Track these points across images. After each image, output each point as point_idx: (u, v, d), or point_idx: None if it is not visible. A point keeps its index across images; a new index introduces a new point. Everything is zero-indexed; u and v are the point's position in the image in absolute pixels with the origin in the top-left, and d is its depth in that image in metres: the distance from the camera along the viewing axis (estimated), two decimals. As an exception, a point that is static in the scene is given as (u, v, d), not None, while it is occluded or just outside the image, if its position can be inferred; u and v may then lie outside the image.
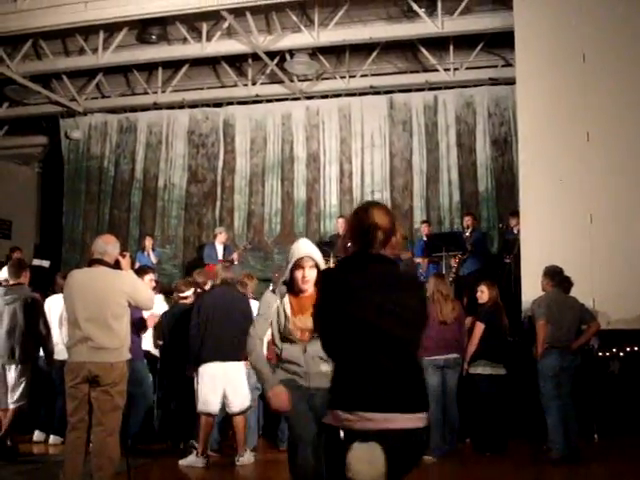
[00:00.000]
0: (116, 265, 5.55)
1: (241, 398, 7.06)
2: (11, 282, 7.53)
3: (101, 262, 5.50)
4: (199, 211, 15.23)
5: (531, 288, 8.52)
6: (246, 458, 7.06)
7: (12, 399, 7.30)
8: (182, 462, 7.10)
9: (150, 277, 7.71)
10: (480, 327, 7.80)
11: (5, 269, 7.94)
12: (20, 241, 15.09)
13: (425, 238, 12.14)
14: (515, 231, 11.26)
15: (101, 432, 5.30)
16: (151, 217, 15.36)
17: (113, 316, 5.38)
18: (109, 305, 5.38)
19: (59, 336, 7.80)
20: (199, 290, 8.05)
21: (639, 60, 9.12)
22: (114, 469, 5.38)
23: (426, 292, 7.49)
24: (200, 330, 7.13)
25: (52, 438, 7.99)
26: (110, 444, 5.33)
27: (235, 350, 6.83)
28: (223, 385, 7.04)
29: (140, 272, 7.55)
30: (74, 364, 5.35)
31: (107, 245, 5.59)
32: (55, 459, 6.60)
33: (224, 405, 7.10)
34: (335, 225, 13.19)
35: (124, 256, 5.69)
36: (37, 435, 8.31)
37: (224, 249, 12.72)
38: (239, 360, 6.96)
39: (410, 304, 3.08)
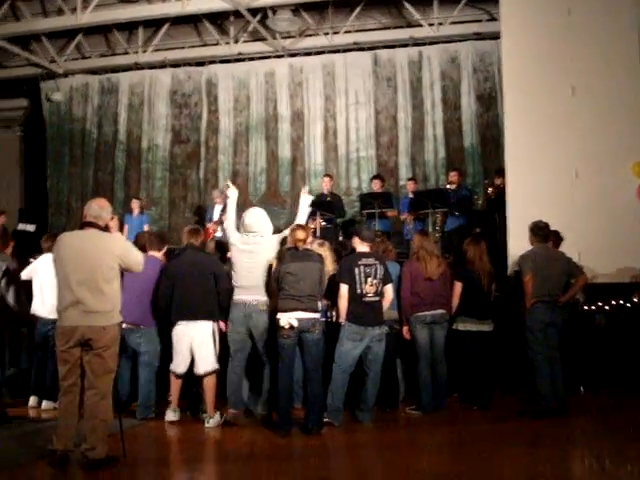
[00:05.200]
0: (105, 228, 5.55)
1: (206, 360, 7.08)
2: None
3: (93, 225, 5.50)
4: (183, 172, 15.17)
5: (517, 243, 8.56)
6: (215, 420, 7.04)
7: None
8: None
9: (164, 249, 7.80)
10: (458, 285, 7.86)
11: None
12: (4, 206, 14.94)
13: (411, 195, 12.14)
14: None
15: (94, 395, 5.33)
16: (136, 179, 15.31)
17: (104, 279, 5.37)
18: (101, 268, 5.37)
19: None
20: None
21: (624, 14, 9.08)
22: (107, 431, 5.43)
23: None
24: (167, 293, 7.22)
25: (44, 403, 7.99)
26: (103, 407, 5.37)
27: (203, 310, 7.06)
28: (190, 346, 7.11)
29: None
30: (66, 328, 5.35)
31: (102, 210, 5.58)
32: (49, 423, 6.63)
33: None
34: (321, 184, 13.15)
35: (112, 218, 5.69)
36: (32, 400, 8.32)
37: (222, 210, 12.61)
38: (207, 319, 7.10)
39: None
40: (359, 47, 14.33)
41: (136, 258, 5.65)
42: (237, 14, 13.69)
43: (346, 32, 14.26)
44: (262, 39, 14.43)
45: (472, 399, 7.78)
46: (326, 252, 7.49)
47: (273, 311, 6.86)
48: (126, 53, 15.34)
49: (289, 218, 13.92)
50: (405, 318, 7.68)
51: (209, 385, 7.08)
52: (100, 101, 15.66)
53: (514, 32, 9.59)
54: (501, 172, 11.19)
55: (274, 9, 13.45)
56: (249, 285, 7.03)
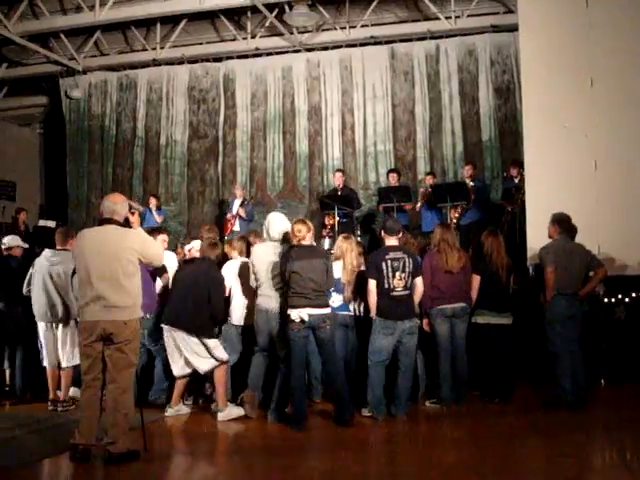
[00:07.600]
0: (126, 223, 5.59)
1: (203, 359, 7.12)
2: (58, 247, 7.77)
3: (111, 221, 5.54)
4: (202, 167, 15.21)
5: (536, 236, 8.53)
6: (226, 412, 7.06)
7: (64, 359, 7.60)
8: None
9: (163, 237, 7.79)
10: (477, 279, 7.83)
11: (10, 236, 8.63)
12: (25, 202, 15.13)
13: (430, 188, 12.11)
14: (516, 180, 11.25)
15: (115, 389, 5.39)
16: (154, 175, 15.38)
17: (125, 274, 5.42)
18: (121, 263, 5.43)
19: None
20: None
21: (643, 3, 9.00)
22: (128, 425, 5.48)
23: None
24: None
25: (72, 390, 8.07)
26: (124, 401, 5.43)
27: (194, 323, 7.07)
28: (183, 350, 7.17)
29: (153, 232, 7.64)
30: (87, 323, 5.42)
31: (115, 205, 5.62)
32: (71, 417, 6.69)
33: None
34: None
35: (133, 214, 5.73)
36: (72, 391, 8.39)
37: (241, 204, 12.68)
38: (196, 334, 7.09)
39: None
40: (376, 41, 14.28)
41: (156, 252, 5.69)
42: (254, 9, 13.71)
43: (363, 26, 14.22)
44: (279, 34, 14.44)
45: (492, 392, 7.77)
46: (351, 245, 7.51)
47: (283, 309, 6.89)
48: (144, 49, 15.39)
49: (307, 213, 14.00)
50: (424, 311, 7.67)
51: (218, 378, 7.13)
52: (119, 97, 15.74)
53: (532, 24, 9.53)
54: (516, 163, 11.21)
55: (291, 4, 13.44)
56: (270, 293, 7.02)
